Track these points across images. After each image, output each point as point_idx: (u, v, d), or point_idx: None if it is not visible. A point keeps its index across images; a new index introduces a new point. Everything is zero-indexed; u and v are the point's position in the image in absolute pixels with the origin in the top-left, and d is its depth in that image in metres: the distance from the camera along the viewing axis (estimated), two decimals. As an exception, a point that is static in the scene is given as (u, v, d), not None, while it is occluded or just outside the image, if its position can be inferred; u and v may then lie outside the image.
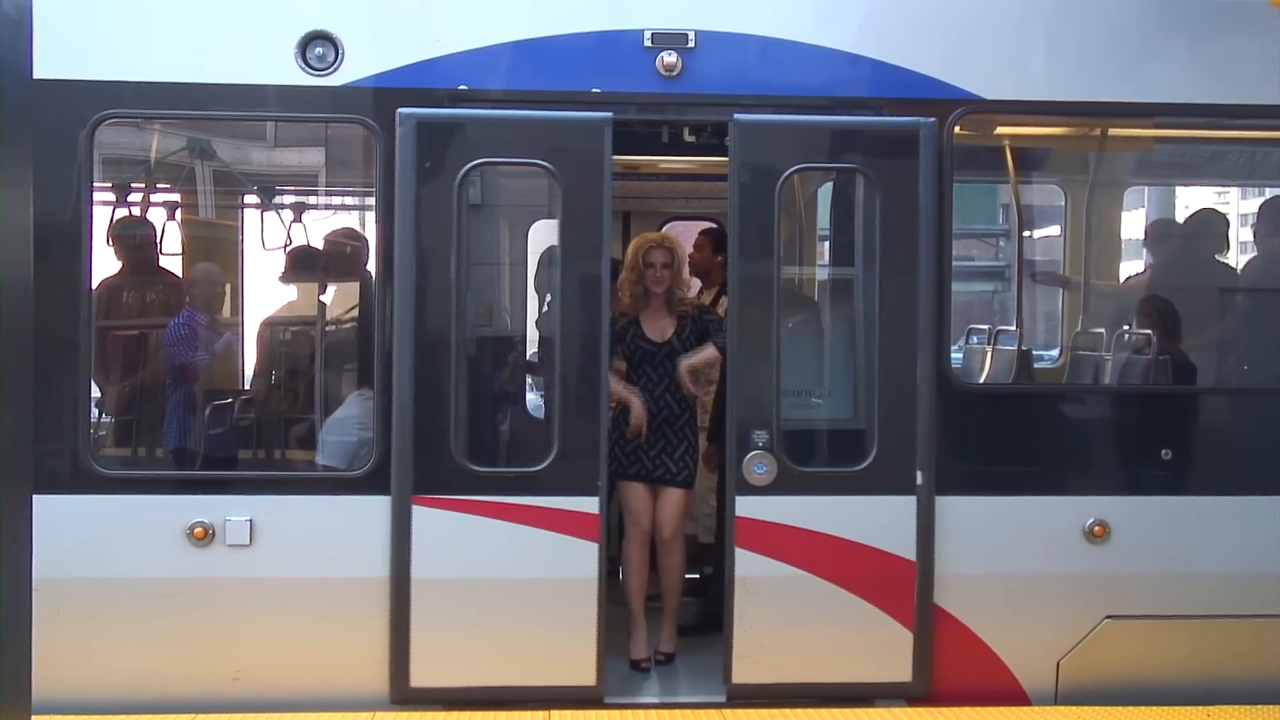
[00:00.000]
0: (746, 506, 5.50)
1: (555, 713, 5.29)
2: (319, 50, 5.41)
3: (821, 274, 5.86)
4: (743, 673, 5.52)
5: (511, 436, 5.99)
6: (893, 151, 5.61)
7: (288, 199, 7.14)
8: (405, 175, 5.37)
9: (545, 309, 6.22)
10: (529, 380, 6.31)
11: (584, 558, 5.41)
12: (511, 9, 5.58)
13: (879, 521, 5.53)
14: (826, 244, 5.89)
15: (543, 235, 5.60)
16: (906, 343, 5.53)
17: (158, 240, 6.49)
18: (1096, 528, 5.58)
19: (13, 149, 2.41)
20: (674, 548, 6.21)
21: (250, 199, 6.90)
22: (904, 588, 5.53)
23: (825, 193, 5.84)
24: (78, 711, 5.10)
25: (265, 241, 6.54)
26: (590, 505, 5.42)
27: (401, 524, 5.35)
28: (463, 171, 5.41)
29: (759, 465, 5.50)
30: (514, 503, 5.41)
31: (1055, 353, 7.73)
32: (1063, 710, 5.45)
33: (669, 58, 5.50)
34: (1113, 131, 6.61)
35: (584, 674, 5.45)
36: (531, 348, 6.36)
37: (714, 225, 7.87)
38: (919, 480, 5.53)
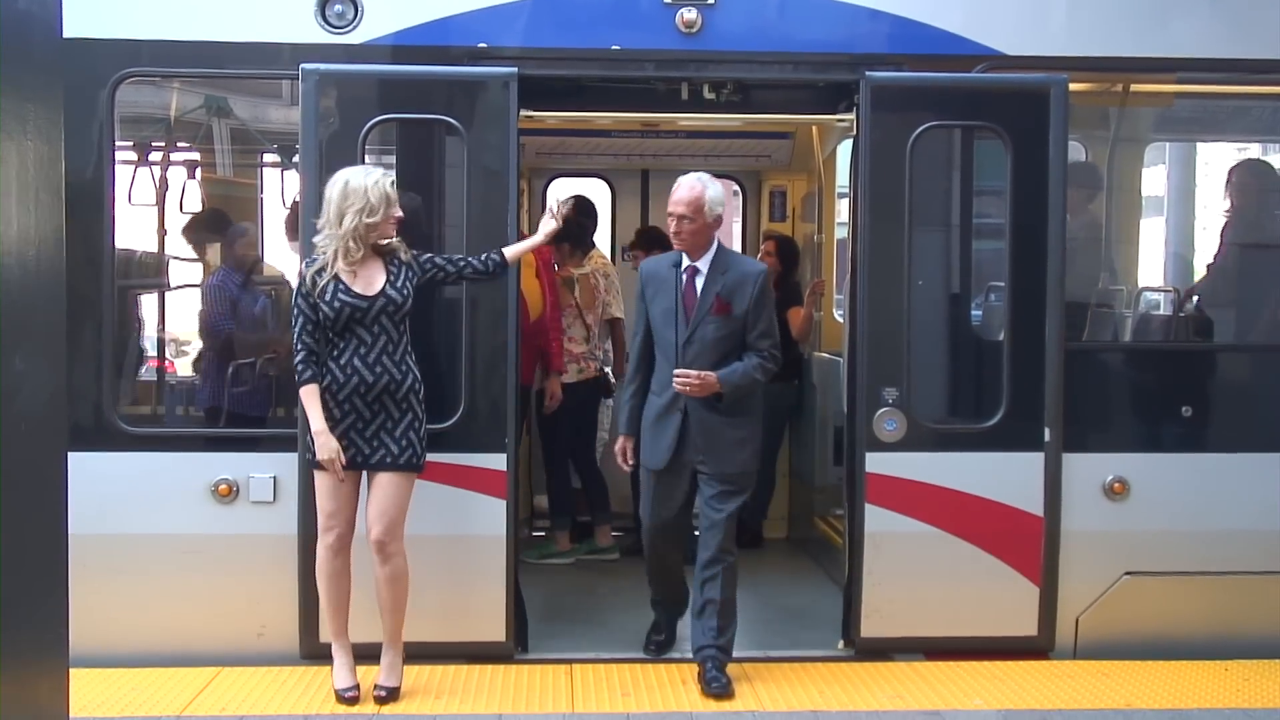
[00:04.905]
0: (876, 462, 5.52)
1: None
2: (338, 8, 5.40)
3: (949, 231, 5.79)
4: (871, 627, 5.55)
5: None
6: (1023, 109, 5.52)
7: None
8: (308, 130, 5.32)
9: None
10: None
11: (492, 514, 5.38)
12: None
13: (1007, 477, 5.55)
14: (953, 201, 5.80)
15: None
16: (1036, 299, 5.50)
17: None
18: None
19: (44, 105, 2.41)
20: (394, 551, 4.95)
21: (269, 157, 6.88)
22: (1031, 543, 5.55)
23: (951, 152, 5.76)
24: (109, 665, 5.21)
25: (285, 200, 6.53)
26: (498, 462, 5.38)
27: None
28: (366, 127, 5.36)
29: (889, 422, 5.51)
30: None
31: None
32: (1082, 664, 5.49)
33: (688, 14, 5.48)
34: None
35: (494, 629, 5.43)
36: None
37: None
38: (1047, 437, 5.54)
